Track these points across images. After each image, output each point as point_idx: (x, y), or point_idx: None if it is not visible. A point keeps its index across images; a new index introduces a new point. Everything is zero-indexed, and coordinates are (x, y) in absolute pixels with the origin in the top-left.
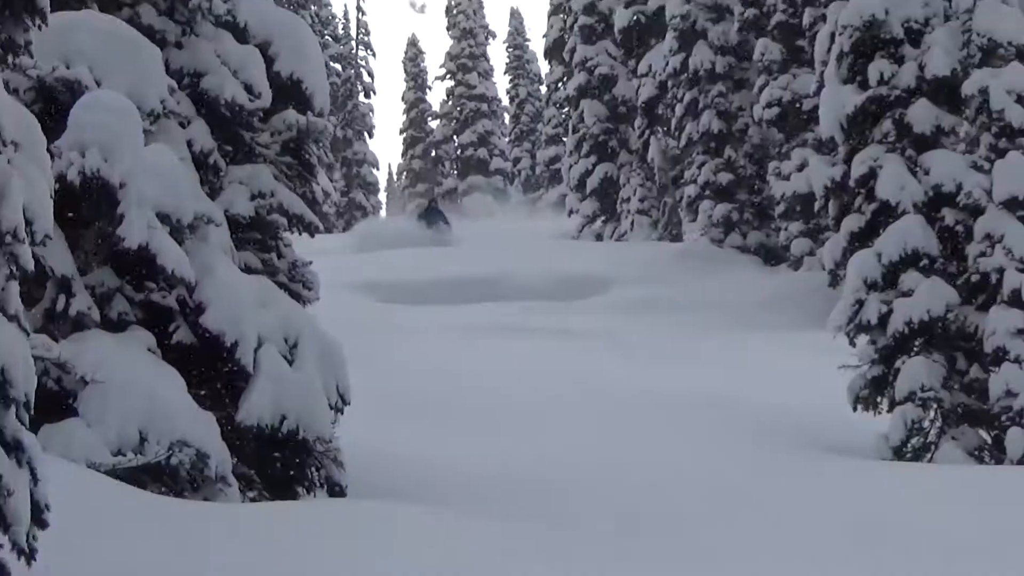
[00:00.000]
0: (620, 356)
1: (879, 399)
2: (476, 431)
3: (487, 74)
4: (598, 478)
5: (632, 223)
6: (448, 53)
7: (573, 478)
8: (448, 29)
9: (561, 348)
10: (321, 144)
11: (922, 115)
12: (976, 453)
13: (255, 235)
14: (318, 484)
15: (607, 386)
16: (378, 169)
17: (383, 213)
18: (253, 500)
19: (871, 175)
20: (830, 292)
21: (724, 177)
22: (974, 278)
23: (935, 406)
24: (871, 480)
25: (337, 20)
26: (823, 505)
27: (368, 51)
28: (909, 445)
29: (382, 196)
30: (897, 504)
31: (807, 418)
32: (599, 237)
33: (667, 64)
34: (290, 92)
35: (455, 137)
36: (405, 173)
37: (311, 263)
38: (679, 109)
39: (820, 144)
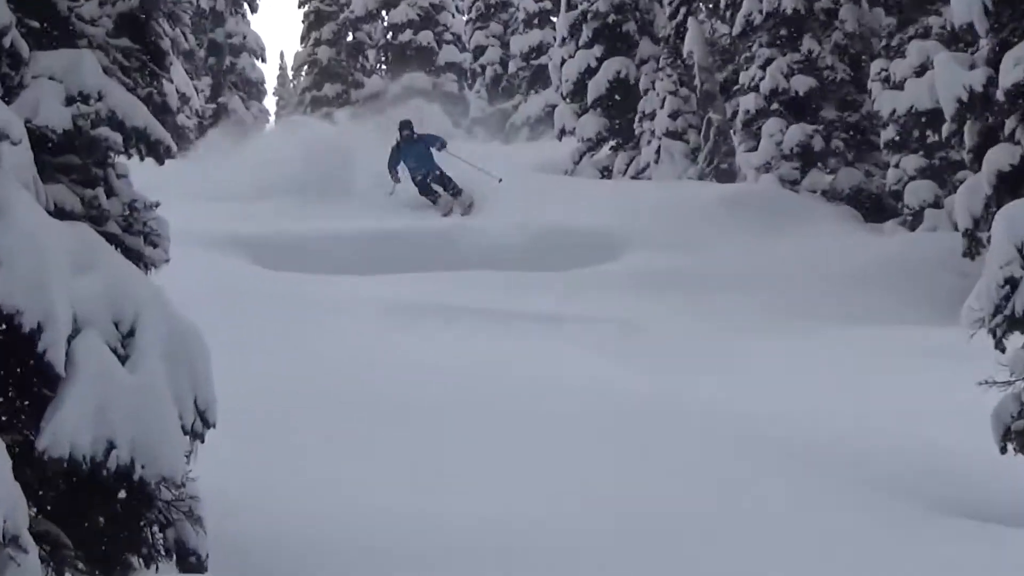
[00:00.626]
0: (637, 359)
1: None
2: (425, 470)
3: None
4: (614, 547)
5: (658, 151)
6: None
7: (575, 546)
8: None
9: (549, 345)
10: (178, 20)
11: None
12: None
13: (73, 159)
14: (163, 552)
15: (619, 405)
16: (264, 61)
17: (270, 126)
18: None
19: None
20: (965, 265)
21: (801, 83)
22: None
23: None
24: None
25: None
26: None
27: None
28: None
29: (270, 102)
30: None
31: (930, 462)
32: (607, 172)
33: None
34: None
35: (383, 13)
36: (305, 68)
37: (158, 205)
38: None
39: (952, 35)
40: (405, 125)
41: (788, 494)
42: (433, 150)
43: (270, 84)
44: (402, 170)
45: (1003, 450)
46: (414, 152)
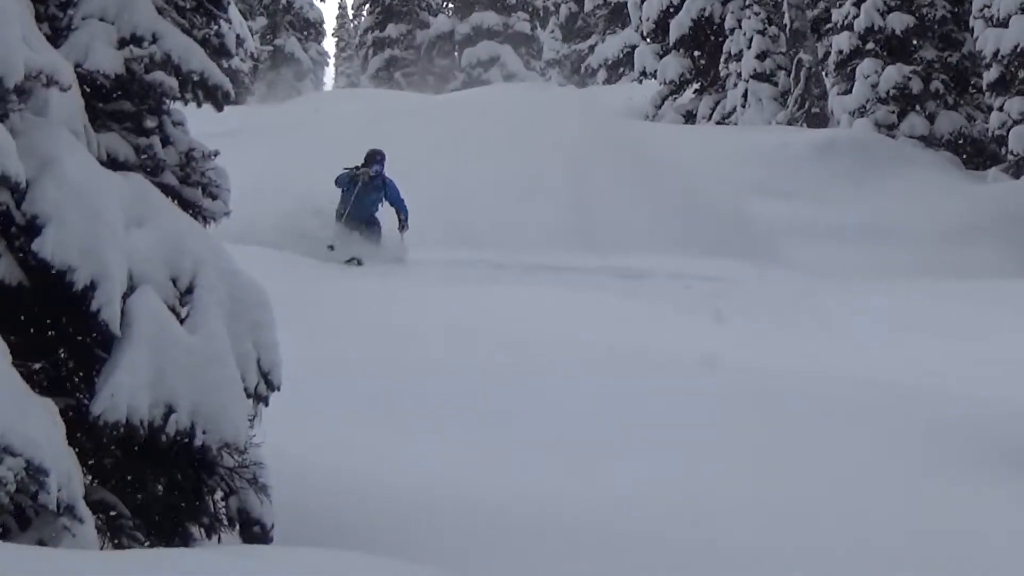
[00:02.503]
0: (726, 319)
1: None
2: (483, 440)
3: None
4: (682, 535)
5: (745, 94)
6: None
7: (644, 530)
8: None
9: (626, 304)
10: None
11: None
12: None
13: (125, 106)
14: (226, 521)
15: (705, 371)
16: (324, 0)
17: (330, 74)
18: (119, 547)
19: None
20: None
21: (898, 20)
22: None
23: None
24: None
25: None
26: None
27: None
28: None
29: (329, 44)
30: None
31: None
32: (690, 116)
33: None
34: None
35: None
36: (367, 7)
37: (217, 154)
38: None
39: None
40: (375, 158)
41: (913, 467)
42: (381, 206)
43: (329, 24)
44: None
45: None
46: (365, 189)
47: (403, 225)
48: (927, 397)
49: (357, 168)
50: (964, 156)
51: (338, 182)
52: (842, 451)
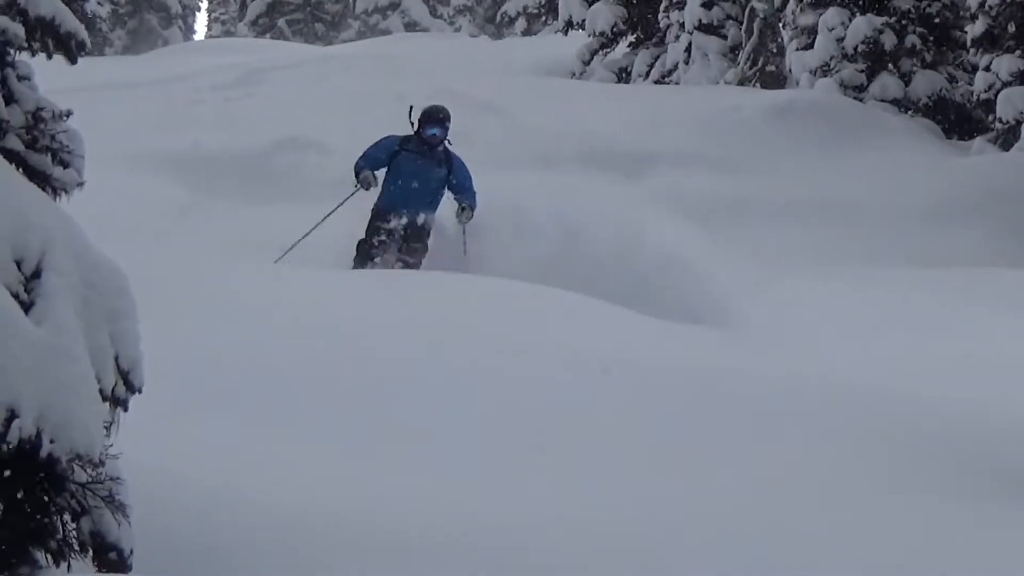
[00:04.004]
0: (668, 313)
1: None
2: (398, 449)
3: None
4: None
5: (688, 49)
6: None
7: (575, 563)
8: None
9: (535, 304)
10: None
11: None
12: None
13: None
14: (77, 546)
15: (641, 363)
16: None
17: (202, 21)
18: None
19: None
20: None
21: None
22: None
23: None
24: None
25: None
26: None
27: None
28: None
29: None
30: None
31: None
32: (624, 74)
33: None
34: None
35: None
36: None
37: (70, 114)
38: None
39: None
40: (435, 118)
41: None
42: (450, 193)
43: None
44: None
45: None
46: (424, 169)
47: (466, 214)
48: (873, 398)
49: (407, 137)
50: (944, 123)
51: (367, 157)
52: (771, 460)
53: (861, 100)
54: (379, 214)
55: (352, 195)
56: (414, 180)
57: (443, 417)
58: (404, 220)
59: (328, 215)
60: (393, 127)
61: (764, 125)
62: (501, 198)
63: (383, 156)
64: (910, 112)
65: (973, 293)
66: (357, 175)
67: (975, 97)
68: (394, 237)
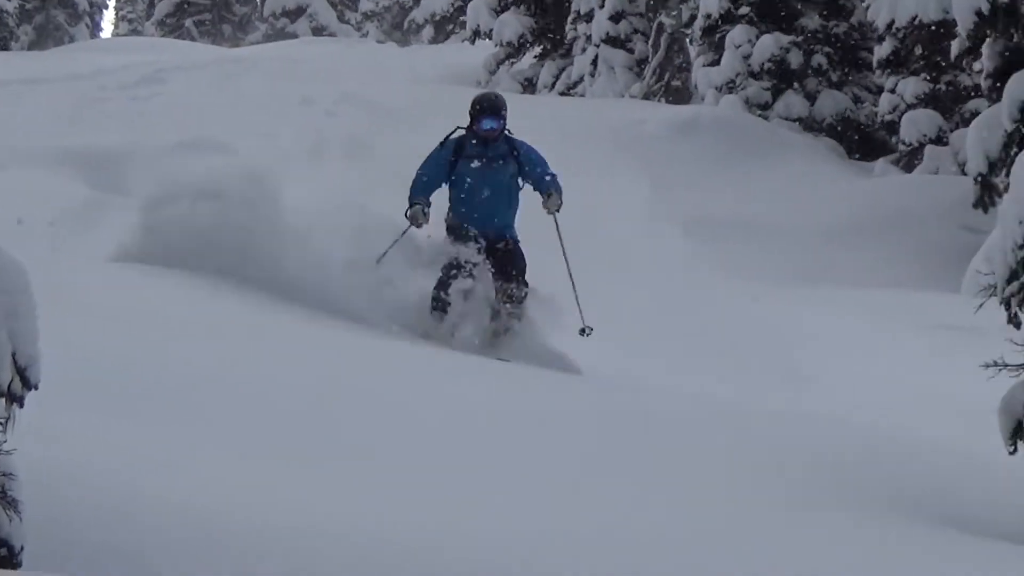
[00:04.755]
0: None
1: None
2: (309, 451)
3: None
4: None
5: (595, 62)
6: None
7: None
8: None
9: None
10: None
11: None
12: None
13: None
14: None
15: (536, 401)
16: None
17: (109, 18)
18: None
19: None
20: (974, 217)
21: None
22: None
23: None
24: None
25: None
26: None
27: None
28: None
29: None
30: None
31: (915, 463)
32: (530, 85)
33: None
34: None
35: None
36: None
37: None
38: None
39: None
40: (489, 105)
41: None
42: (526, 182)
43: None
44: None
45: (1013, 451)
46: (491, 172)
47: (553, 200)
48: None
49: (456, 139)
50: (848, 143)
51: (418, 184)
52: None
53: (766, 118)
54: (456, 235)
55: (404, 233)
56: (484, 188)
57: (349, 417)
58: (484, 242)
59: (380, 257)
60: (297, 128)
61: (668, 140)
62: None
63: (438, 173)
64: (814, 131)
65: (880, 313)
66: (409, 206)
67: (879, 118)
68: (479, 268)
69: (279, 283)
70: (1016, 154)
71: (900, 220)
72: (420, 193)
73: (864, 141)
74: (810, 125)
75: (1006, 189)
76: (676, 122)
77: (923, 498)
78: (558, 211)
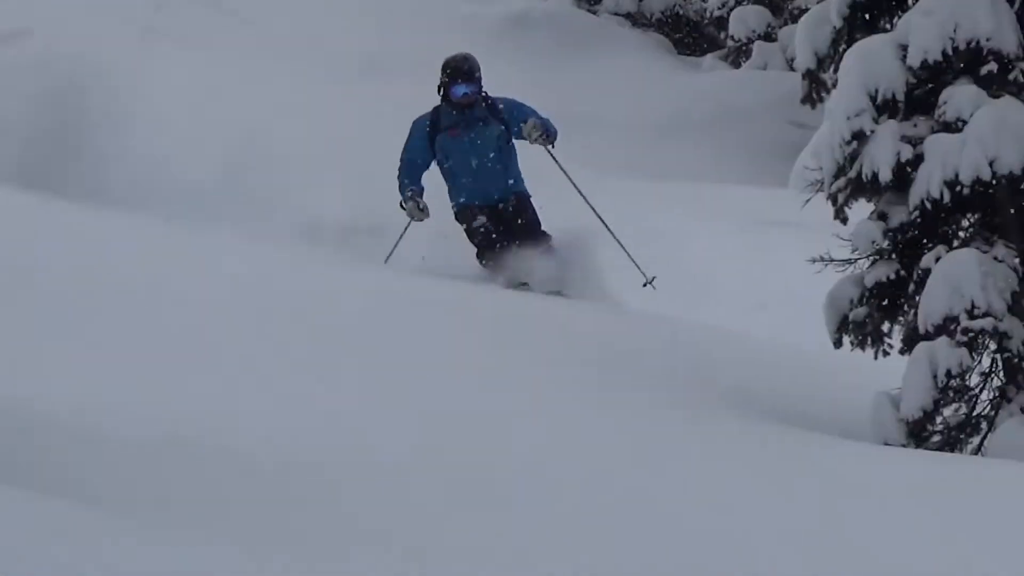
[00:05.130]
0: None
1: (886, 326)
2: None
3: None
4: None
5: None
6: None
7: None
8: None
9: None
10: None
11: None
12: None
13: None
14: None
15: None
16: None
17: None
18: None
19: None
20: (802, 113)
21: None
22: None
23: (993, 345)
24: (864, 496)
25: None
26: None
27: None
28: (940, 418)
29: None
30: (914, 550)
31: (738, 357)
32: None
33: None
34: None
35: None
36: None
37: None
38: None
39: None
40: (459, 69)
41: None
42: (518, 140)
43: None
44: (429, 183)
45: (838, 343)
46: (474, 140)
47: (536, 129)
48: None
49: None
50: (677, 39)
51: (403, 172)
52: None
53: (595, 12)
54: (464, 218)
55: (407, 228)
56: (471, 159)
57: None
58: (489, 210)
59: (388, 256)
60: None
61: (499, 34)
62: None
63: (421, 151)
64: (643, 27)
65: (699, 210)
66: (403, 201)
67: (708, 14)
68: (500, 231)
69: None
70: (844, 50)
71: (729, 115)
72: (408, 178)
73: (693, 37)
74: (639, 21)
75: (834, 85)
76: (507, 17)
77: (762, 395)
78: (550, 142)
